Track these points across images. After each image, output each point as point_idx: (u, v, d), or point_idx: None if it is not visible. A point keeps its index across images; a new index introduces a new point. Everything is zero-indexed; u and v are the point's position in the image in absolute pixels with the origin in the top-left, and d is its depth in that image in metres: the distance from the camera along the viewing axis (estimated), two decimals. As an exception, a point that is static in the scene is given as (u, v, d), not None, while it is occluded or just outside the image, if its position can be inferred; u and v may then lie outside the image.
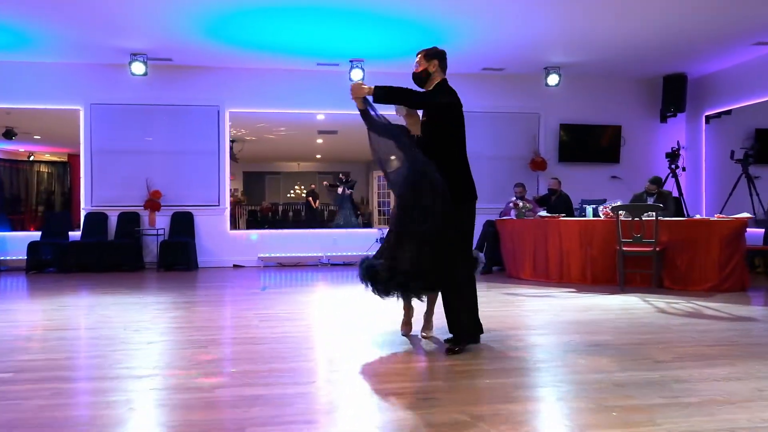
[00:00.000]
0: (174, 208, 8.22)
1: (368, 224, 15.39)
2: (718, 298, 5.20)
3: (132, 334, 3.78)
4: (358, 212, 14.95)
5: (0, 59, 7.72)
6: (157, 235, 8.12)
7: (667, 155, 8.63)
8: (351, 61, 7.99)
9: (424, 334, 3.55)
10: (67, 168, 14.90)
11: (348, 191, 12.95)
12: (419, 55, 3.40)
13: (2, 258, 7.90)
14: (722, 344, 3.44)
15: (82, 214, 8.16)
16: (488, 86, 8.68)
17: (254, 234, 8.68)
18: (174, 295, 5.67)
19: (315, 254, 8.53)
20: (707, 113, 8.81)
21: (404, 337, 3.56)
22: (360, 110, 3.28)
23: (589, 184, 8.75)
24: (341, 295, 5.81)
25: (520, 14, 6.30)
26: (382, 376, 2.83)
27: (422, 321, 3.60)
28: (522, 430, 2.10)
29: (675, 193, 8.34)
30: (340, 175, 13.54)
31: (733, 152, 8.66)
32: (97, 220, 8.09)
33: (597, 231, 6.26)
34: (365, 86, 3.25)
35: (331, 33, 6.95)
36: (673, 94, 8.77)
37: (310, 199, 14.29)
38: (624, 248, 5.74)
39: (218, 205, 8.40)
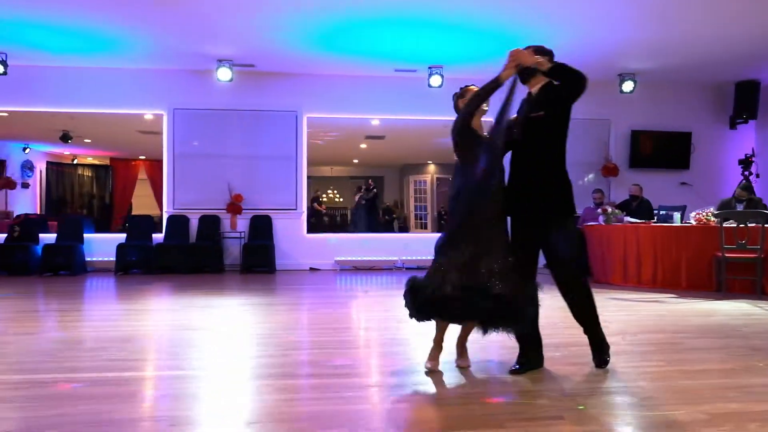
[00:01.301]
0: (253, 211, 8.37)
1: (404, 228, 15.43)
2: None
3: (284, 334, 3.90)
4: (385, 217, 14.89)
5: (88, 64, 7.93)
6: (239, 238, 8.27)
7: (740, 162, 8.66)
8: (430, 68, 8.11)
9: (462, 364, 3.05)
10: (109, 172, 15.17)
11: (363, 201, 12.90)
12: (530, 48, 2.95)
13: (90, 259, 8.08)
14: None
15: (165, 216, 8.33)
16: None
17: (332, 237, 8.80)
18: (283, 297, 5.80)
19: (389, 258, 8.63)
20: (781, 120, 8.84)
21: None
22: (496, 84, 2.86)
23: (659, 190, 8.76)
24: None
25: (598, 20, 6.38)
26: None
27: (453, 351, 3.08)
28: (780, 428, 2.18)
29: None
30: (369, 182, 13.47)
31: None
32: (179, 222, 8.25)
33: (691, 236, 6.31)
34: (537, 57, 2.83)
35: (411, 40, 7.07)
36: (746, 101, 8.79)
37: (315, 204, 13.98)
38: (726, 254, 5.79)
39: (296, 209, 8.53)
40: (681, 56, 7.70)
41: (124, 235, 8.23)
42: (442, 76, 8.05)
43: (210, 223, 8.29)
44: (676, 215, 6.89)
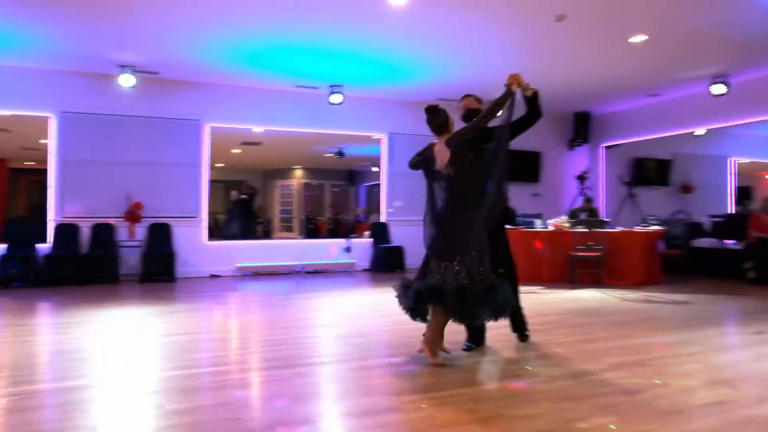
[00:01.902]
0: (152, 219, 8.27)
1: (267, 232, 15.50)
2: (648, 289, 6.94)
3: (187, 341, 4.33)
4: (258, 221, 14.87)
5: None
6: (137, 246, 8.12)
7: (577, 177, 10.62)
8: (330, 86, 8.76)
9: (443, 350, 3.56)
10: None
11: (237, 204, 12.75)
12: (473, 97, 3.96)
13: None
14: (675, 317, 5.00)
15: (51, 225, 7.87)
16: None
17: (234, 244, 8.99)
18: (184, 304, 6.04)
19: (290, 263, 9.08)
20: (605, 144, 11.01)
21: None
22: (508, 94, 3.51)
23: (516, 199, 10.37)
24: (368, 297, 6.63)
25: (478, 55, 7.45)
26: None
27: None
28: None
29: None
30: (247, 184, 13.31)
31: (622, 176, 10.98)
32: (68, 231, 7.86)
33: (551, 239, 7.79)
34: (526, 83, 3.60)
35: (313, 62, 7.62)
36: (581, 128, 10.82)
37: None
38: (578, 253, 7.32)
39: (196, 217, 8.60)
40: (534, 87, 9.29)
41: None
42: (343, 95, 8.74)
43: (104, 231, 8.02)
44: (537, 221, 8.40)
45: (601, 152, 11.08)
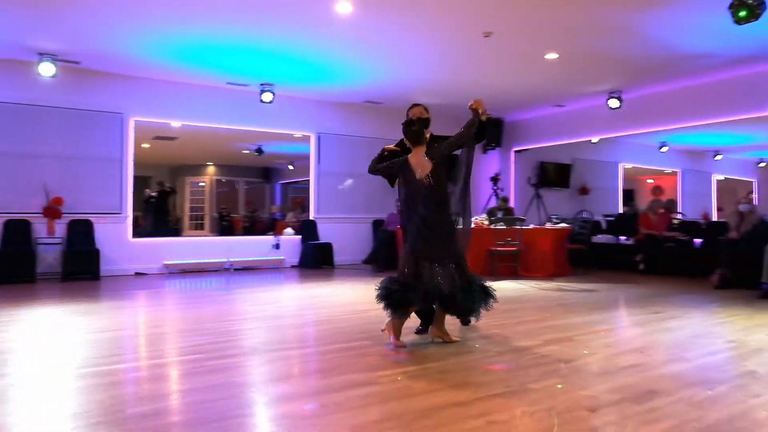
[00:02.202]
0: (72, 215, 7.91)
1: (176, 230, 15.06)
2: (559, 279, 7.78)
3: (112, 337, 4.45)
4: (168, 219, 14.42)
5: None
6: (57, 244, 7.74)
7: (491, 179, 11.47)
8: (261, 84, 8.84)
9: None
10: None
11: (152, 200, 12.51)
12: (422, 107, 4.19)
13: None
14: (586, 302, 5.78)
15: (-44, 221, 7.31)
16: (373, 115, 10.38)
17: (160, 240, 8.78)
18: (109, 302, 6.00)
19: (218, 260, 9.04)
20: (516, 149, 11.96)
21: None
22: (479, 121, 3.85)
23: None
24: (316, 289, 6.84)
25: (401, 61, 7.89)
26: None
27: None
28: (581, 342, 3.88)
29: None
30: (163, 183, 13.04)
31: (530, 178, 12.00)
32: (-23, 228, 7.34)
33: (475, 237, 8.42)
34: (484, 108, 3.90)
35: (244, 59, 7.67)
36: (494, 134, 11.69)
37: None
38: (498, 248, 8.02)
39: (120, 213, 8.33)
40: (455, 97, 9.94)
41: None
42: (273, 93, 8.85)
43: (18, 228, 7.56)
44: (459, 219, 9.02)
45: (512, 156, 12.03)
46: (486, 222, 8.64)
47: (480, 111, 3.86)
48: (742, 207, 7.26)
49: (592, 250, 9.43)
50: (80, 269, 7.69)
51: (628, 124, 9.62)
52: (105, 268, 8.03)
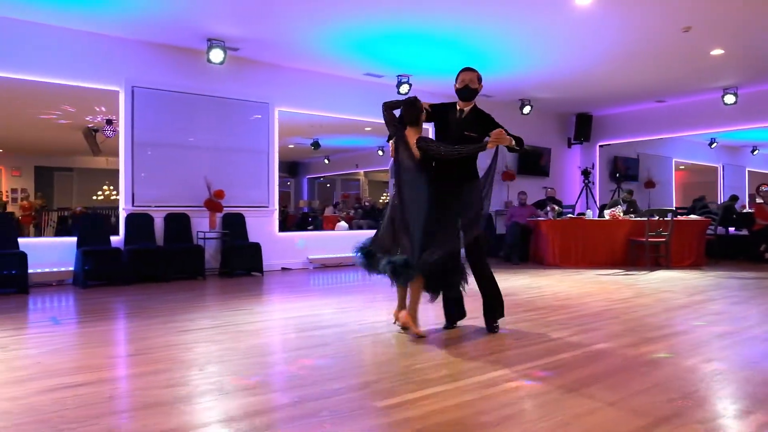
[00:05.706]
0: (227, 209, 7.58)
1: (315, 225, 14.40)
2: (705, 268, 8.02)
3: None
4: None
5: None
6: (217, 238, 7.40)
7: (583, 172, 11.68)
8: (398, 76, 8.70)
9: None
10: None
11: None
12: (477, 74, 3.77)
13: (33, 271, 6.13)
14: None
15: (122, 215, 6.88)
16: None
17: (301, 240, 8.51)
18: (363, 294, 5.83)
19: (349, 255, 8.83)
20: (600, 143, 12.23)
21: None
22: (483, 148, 3.63)
23: (529, 191, 11.16)
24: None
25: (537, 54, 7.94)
26: None
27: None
28: None
29: (588, 201, 11.40)
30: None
31: (615, 172, 12.31)
32: (141, 222, 6.93)
33: (614, 228, 8.59)
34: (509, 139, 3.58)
35: (382, 48, 7.47)
36: (583, 128, 11.91)
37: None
38: (649, 240, 8.20)
39: (267, 206, 8.04)
40: (557, 90, 10.00)
41: (65, 239, 6.50)
42: (410, 85, 8.72)
43: (180, 222, 7.19)
44: (589, 212, 9.19)
45: (596, 150, 12.30)
46: (621, 214, 8.78)
47: (497, 142, 3.55)
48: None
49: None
50: (243, 264, 7.38)
51: (745, 118, 9.94)
52: (256, 263, 7.73)
